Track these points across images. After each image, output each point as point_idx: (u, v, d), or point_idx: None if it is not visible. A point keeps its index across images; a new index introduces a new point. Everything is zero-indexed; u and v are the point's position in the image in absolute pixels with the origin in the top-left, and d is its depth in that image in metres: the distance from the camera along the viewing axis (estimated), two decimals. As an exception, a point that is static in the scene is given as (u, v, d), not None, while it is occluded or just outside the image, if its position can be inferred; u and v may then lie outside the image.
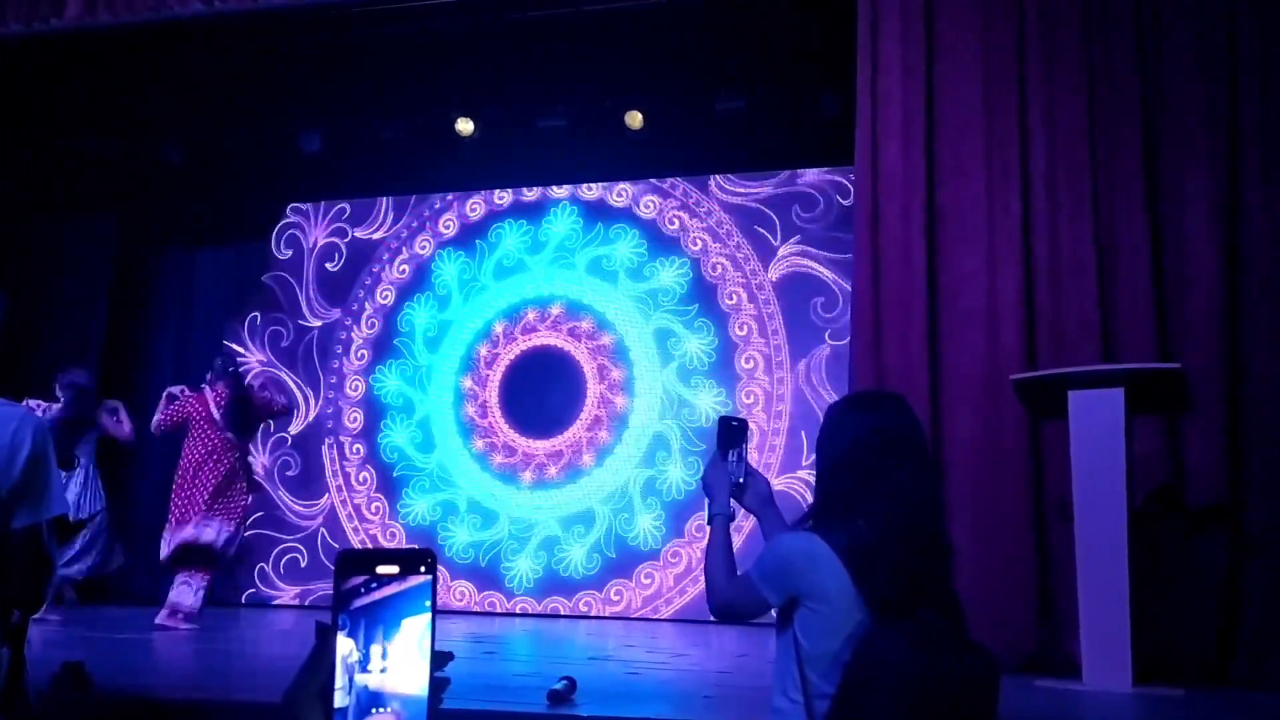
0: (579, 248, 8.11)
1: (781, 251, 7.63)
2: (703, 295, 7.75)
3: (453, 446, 8.11)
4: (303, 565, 8.16)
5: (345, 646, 0.91)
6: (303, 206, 8.73)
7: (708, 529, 2.28)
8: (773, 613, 2.07)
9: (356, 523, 8.16)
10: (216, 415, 6.02)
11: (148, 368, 8.51)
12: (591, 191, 8.13)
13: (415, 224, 8.51)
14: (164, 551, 5.83)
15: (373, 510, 8.13)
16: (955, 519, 4.15)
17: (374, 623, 0.92)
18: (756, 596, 2.05)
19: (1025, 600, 4.36)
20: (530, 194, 8.29)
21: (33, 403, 5.88)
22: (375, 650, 0.91)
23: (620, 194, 8.07)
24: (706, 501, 2.31)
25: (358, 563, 0.93)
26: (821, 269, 7.52)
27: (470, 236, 8.37)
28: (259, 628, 6.46)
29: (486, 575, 7.79)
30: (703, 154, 7.80)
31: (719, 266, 7.78)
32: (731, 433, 2.34)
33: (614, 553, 7.59)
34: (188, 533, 5.77)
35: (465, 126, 7.80)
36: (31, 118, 7.48)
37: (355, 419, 8.38)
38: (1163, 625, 4.08)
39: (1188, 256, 4.46)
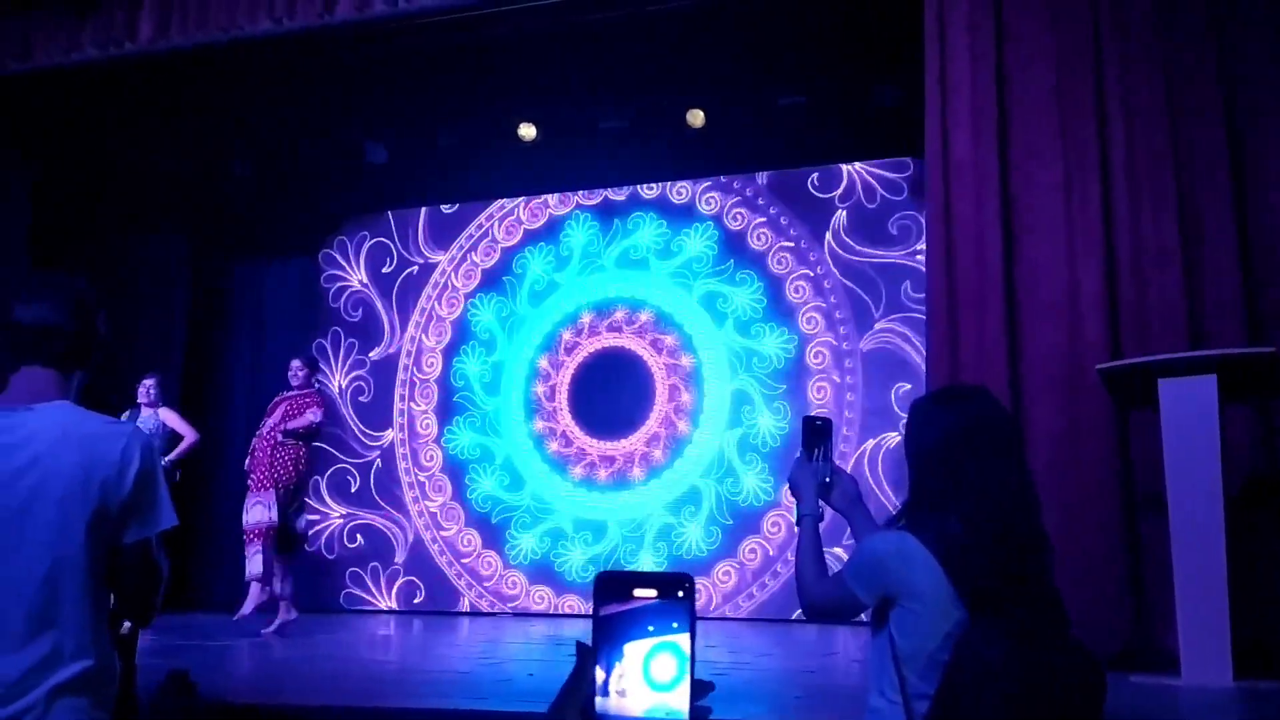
0: (601, 250, 8.17)
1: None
2: (778, 307, 7.71)
3: (542, 476, 8.14)
4: (352, 490, 8.35)
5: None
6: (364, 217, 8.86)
7: (797, 530, 2.26)
8: (865, 613, 2.05)
9: (408, 464, 8.27)
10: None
11: (226, 379, 8.73)
12: (682, 196, 8.09)
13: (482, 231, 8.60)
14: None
15: (510, 586, 8.10)
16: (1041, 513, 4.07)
17: (609, 645, 0.91)
18: (849, 597, 2.03)
19: (1116, 594, 4.27)
20: (620, 194, 8.29)
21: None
22: (611, 674, 0.91)
23: (709, 201, 8.05)
24: (794, 503, 2.29)
25: (616, 585, 0.92)
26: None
27: (497, 275, 8.45)
28: (354, 631, 6.57)
29: (544, 572, 7.85)
30: (764, 150, 7.76)
31: (784, 260, 7.74)
32: (816, 432, 2.32)
33: (730, 519, 7.58)
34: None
35: (527, 131, 7.85)
36: (108, 138, 7.71)
37: (433, 364, 8.47)
38: (1263, 617, 3.96)
39: (1277, 239, 4.33)
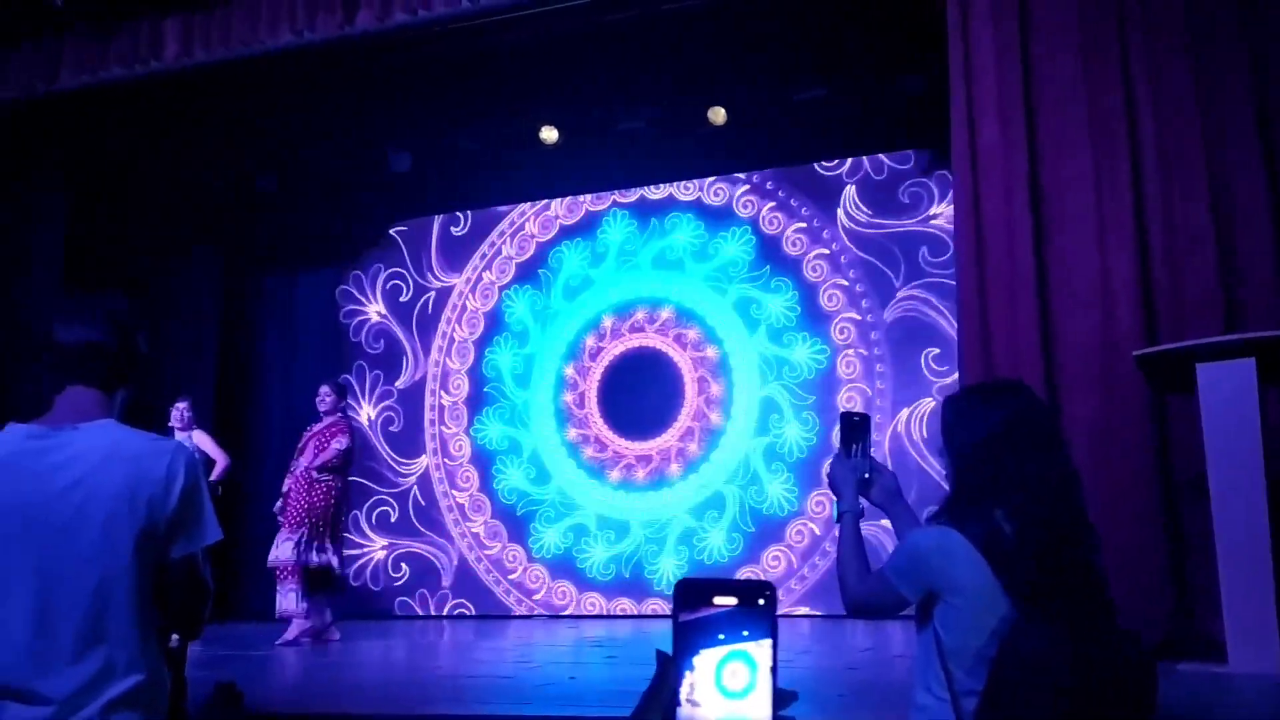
0: (639, 247, 8.17)
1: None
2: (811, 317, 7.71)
3: (568, 471, 8.18)
4: (392, 520, 8.38)
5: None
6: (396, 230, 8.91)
7: (837, 528, 2.26)
8: (910, 608, 2.04)
9: (521, 597, 8.17)
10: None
11: (260, 391, 8.80)
12: (719, 197, 8.10)
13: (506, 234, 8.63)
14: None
15: (534, 580, 8.13)
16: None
17: (682, 654, 0.90)
18: (892, 593, 2.02)
19: (1159, 583, 4.23)
20: (576, 214, 8.36)
21: None
22: (688, 680, 0.90)
23: (746, 204, 8.04)
24: (834, 500, 2.29)
25: (697, 592, 0.91)
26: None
27: (533, 268, 8.48)
28: (396, 638, 6.61)
29: (634, 586, 7.84)
30: (786, 144, 7.76)
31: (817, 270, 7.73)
32: (854, 428, 2.31)
33: (752, 527, 7.60)
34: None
35: (549, 135, 7.87)
36: (138, 158, 7.79)
37: (459, 387, 8.51)
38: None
39: (1315, 219, 4.27)
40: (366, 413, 8.66)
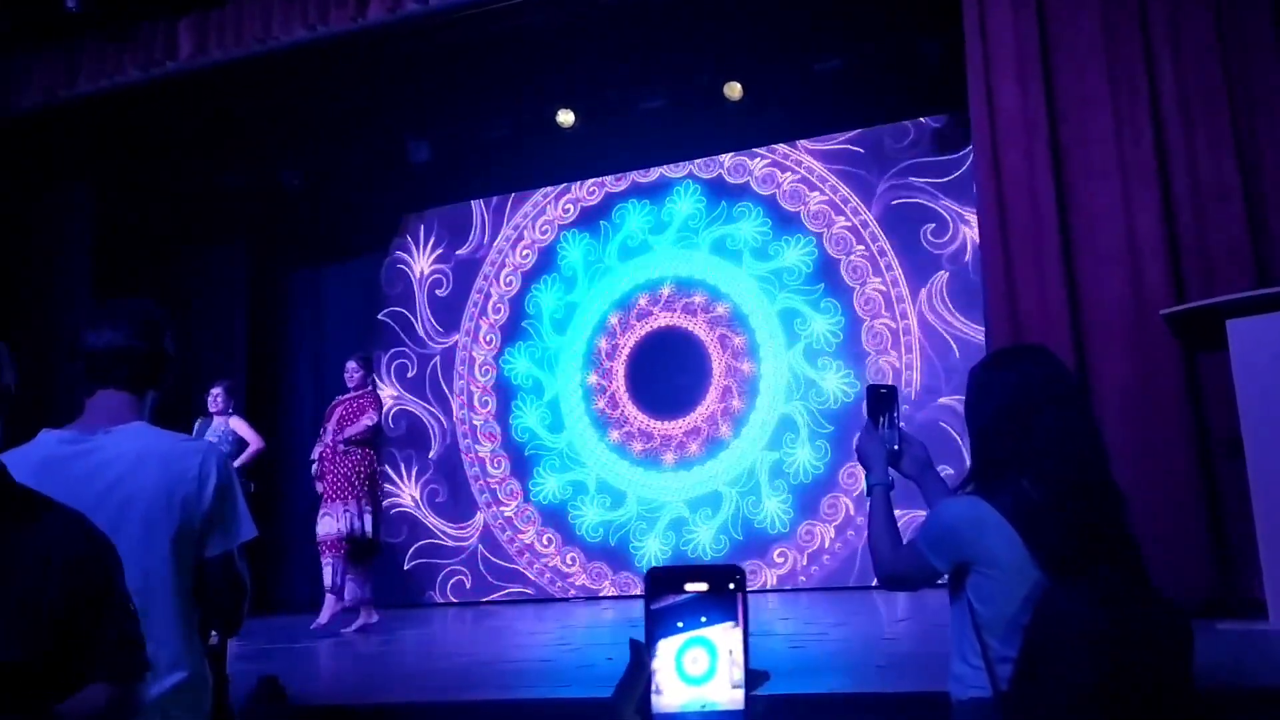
0: (702, 227, 8.10)
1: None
2: (828, 275, 7.65)
3: (581, 427, 8.22)
4: (468, 586, 8.32)
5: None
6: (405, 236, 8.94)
7: (868, 500, 2.25)
8: (943, 579, 2.03)
9: (510, 532, 8.28)
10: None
11: (290, 383, 8.88)
12: (709, 171, 8.07)
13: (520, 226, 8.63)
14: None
15: (524, 519, 8.24)
16: (1113, 465, 4.00)
17: (651, 642, 0.91)
18: (925, 565, 2.02)
19: (1196, 543, 4.19)
20: (649, 175, 8.27)
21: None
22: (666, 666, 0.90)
23: (735, 169, 8.01)
24: (864, 472, 2.28)
25: (667, 580, 0.92)
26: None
27: (595, 218, 8.44)
28: (433, 626, 6.67)
29: (616, 555, 7.91)
30: (804, 117, 7.69)
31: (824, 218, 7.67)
32: (880, 399, 2.29)
33: (740, 535, 7.62)
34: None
35: (565, 118, 7.85)
36: (160, 157, 7.85)
37: (500, 311, 8.54)
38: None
39: (1342, 167, 4.20)
40: (411, 493, 8.65)
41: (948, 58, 5.97)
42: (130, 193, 7.93)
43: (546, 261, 8.50)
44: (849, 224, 7.65)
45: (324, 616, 6.09)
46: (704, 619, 0.90)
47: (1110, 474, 1.96)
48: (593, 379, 8.23)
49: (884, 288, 7.52)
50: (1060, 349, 4.24)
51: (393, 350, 8.82)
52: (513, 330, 8.52)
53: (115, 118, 7.20)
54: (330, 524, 6.06)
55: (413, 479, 8.58)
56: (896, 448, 2.27)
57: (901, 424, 2.32)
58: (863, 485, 2.28)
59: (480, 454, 8.44)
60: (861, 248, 7.59)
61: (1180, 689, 1.72)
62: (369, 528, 6.17)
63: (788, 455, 7.56)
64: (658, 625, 0.91)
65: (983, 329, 5.91)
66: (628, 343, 8.19)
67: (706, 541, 7.67)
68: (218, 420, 6.60)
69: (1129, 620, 1.73)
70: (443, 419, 8.57)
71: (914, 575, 2.08)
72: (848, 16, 6.79)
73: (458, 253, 8.76)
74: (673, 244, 8.17)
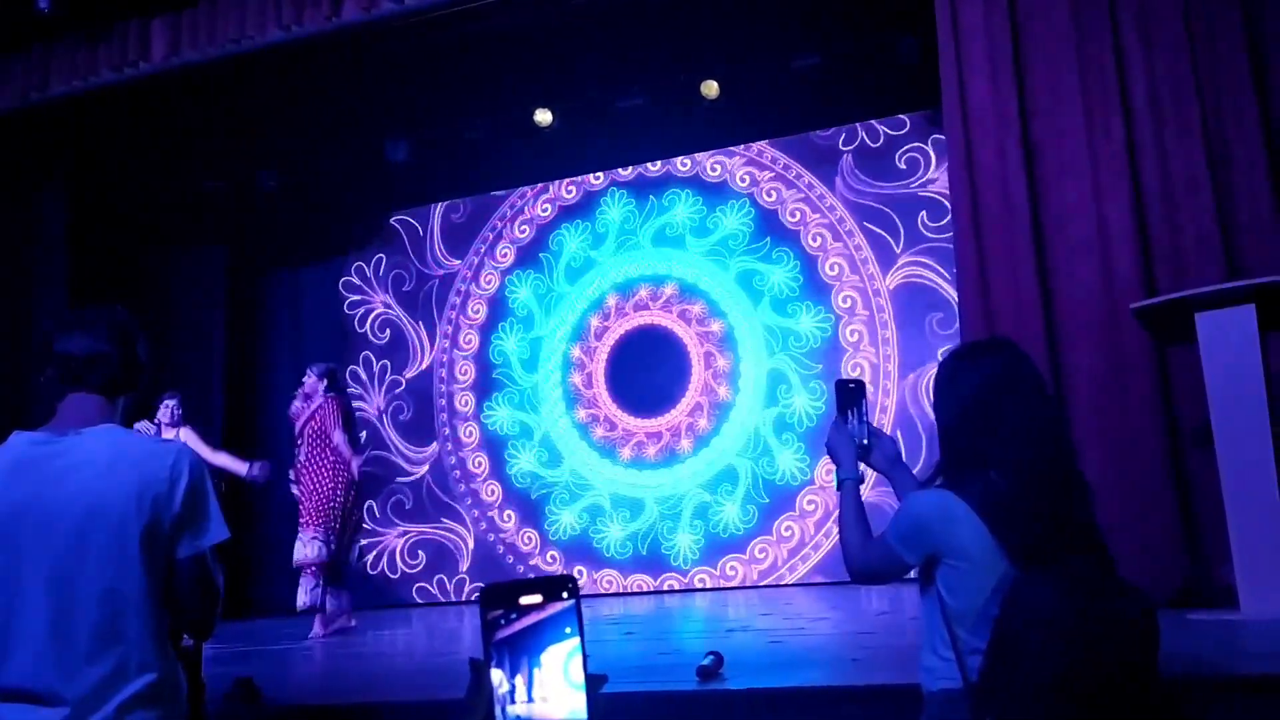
0: (689, 227, 8.14)
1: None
2: (812, 286, 7.69)
3: (579, 451, 8.22)
4: (407, 508, 8.49)
5: (495, 679, 0.92)
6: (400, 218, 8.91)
7: (837, 495, 2.27)
8: (914, 572, 2.05)
9: (459, 472, 8.37)
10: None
11: (268, 387, 8.84)
12: (715, 173, 8.10)
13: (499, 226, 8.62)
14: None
15: (476, 465, 8.31)
16: (1085, 456, 4.04)
17: (520, 653, 0.92)
18: (895, 558, 2.04)
19: (1168, 533, 4.23)
20: (655, 171, 8.30)
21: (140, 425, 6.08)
22: (521, 681, 0.92)
23: (714, 166, 8.07)
24: (834, 467, 2.29)
25: (501, 596, 0.93)
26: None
27: (582, 213, 8.47)
28: (414, 626, 6.64)
29: (651, 564, 7.88)
30: (784, 114, 7.72)
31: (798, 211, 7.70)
32: (849, 394, 2.31)
33: (767, 498, 7.62)
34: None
35: (544, 117, 7.84)
36: (134, 159, 7.80)
37: (467, 372, 8.56)
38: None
39: (1309, 160, 4.24)
40: (376, 402, 8.70)
41: (926, 54, 6.00)
42: (106, 194, 7.89)
43: (499, 309, 8.55)
44: (773, 175, 7.80)
45: (318, 628, 6.02)
46: (542, 631, 0.93)
47: (1077, 465, 1.98)
48: (580, 411, 8.21)
49: (826, 220, 7.65)
50: (1032, 341, 4.29)
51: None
52: (485, 383, 8.52)
53: (89, 119, 7.16)
54: (313, 548, 5.94)
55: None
56: (866, 442, 2.29)
57: (869, 419, 2.34)
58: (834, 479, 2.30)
59: (489, 515, 8.38)
60: (797, 194, 7.73)
61: (1146, 678, 1.74)
62: (345, 552, 6.08)
63: (786, 407, 7.63)
64: (496, 643, 0.92)
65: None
66: (600, 358, 8.19)
67: (734, 516, 7.67)
68: (169, 433, 6.35)
69: (1096, 610, 1.75)
70: (463, 533, 8.47)
71: (884, 568, 2.10)
72: (825, 14, 6.82)
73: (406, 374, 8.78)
74: (614, 250, 8.25)
